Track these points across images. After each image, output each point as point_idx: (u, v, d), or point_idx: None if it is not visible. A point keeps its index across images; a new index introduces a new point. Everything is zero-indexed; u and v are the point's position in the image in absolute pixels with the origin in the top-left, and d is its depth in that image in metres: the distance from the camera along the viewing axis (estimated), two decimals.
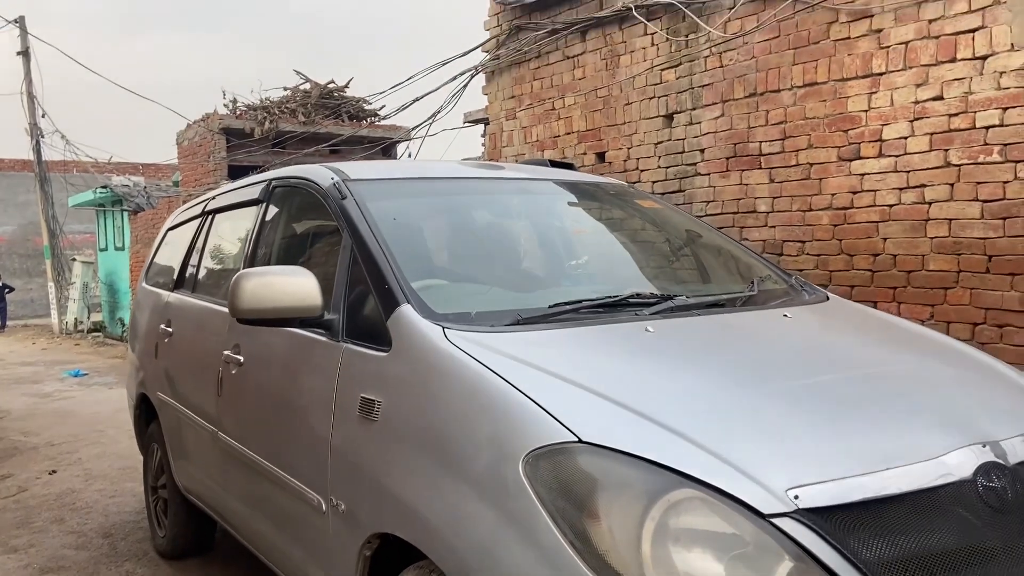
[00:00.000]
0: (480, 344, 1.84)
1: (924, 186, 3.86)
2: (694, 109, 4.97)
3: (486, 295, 2.25)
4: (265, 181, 3.05)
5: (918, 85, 3.85)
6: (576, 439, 1.53)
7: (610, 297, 2.20)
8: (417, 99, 7.99)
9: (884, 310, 4.05)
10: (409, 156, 12.67)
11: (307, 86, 13.06)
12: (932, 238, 3.84)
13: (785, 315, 2.28)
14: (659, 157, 5.24)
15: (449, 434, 1.74)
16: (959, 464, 1.59)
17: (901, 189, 3.95)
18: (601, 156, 5.68)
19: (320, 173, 2.64)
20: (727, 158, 4.80)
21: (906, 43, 3.89)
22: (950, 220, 3.77)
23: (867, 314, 2.55)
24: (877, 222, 4.06)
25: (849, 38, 4.13)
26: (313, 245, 2.67)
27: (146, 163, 22.18)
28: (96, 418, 7.29)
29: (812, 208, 4.37)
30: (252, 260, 2.87)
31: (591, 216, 2.94)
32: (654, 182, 5.28)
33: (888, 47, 3.96)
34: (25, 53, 16.70)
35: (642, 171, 5.37)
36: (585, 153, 5.78)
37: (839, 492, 1.47)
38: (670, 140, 5.15)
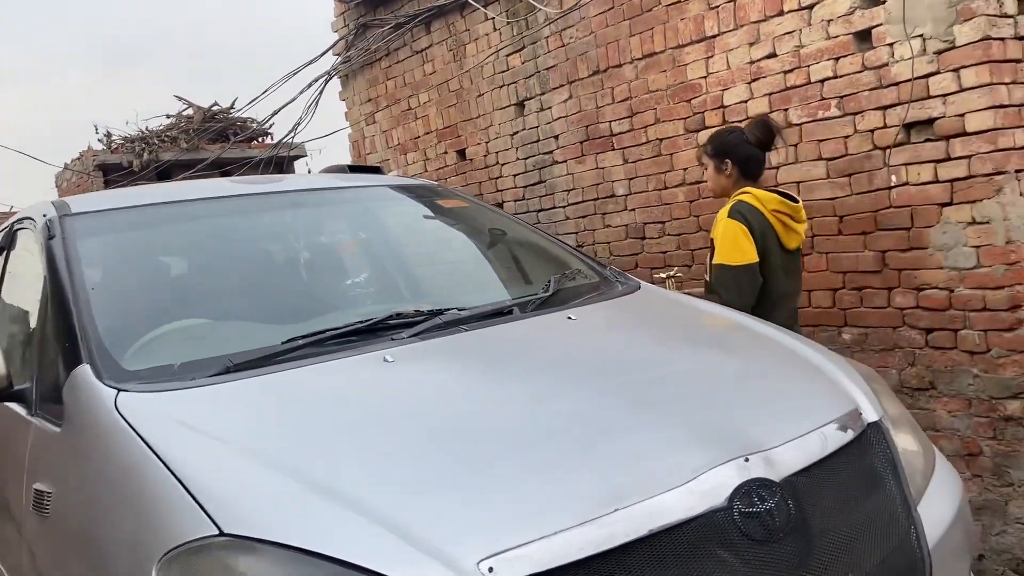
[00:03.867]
0: (155, 411, 1.49)
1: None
2: (543, 94, 4.69)
3: (216, 336, 1.90)
4: (10, 224, 2.64)
5: (751, 44, 3.63)
6: (218, 532, 1.20)
7: (362, 322, 1.87)
8: (275, 112, 7.58)
9: None
10: (309, 172, 12.21)
11: (190, 111, 12.45)
12: None
13: (569, 318, 1.99)
14: (516, 148, 4.94)
15: (100, 532, 1.39)
16: (709, 490, 1.30)
17: None
18: (462, 154, 5.36)
19: (39, 209, 2.25)
20: (581, 142, 4.53)
21: (734, 0, 3.66)
22: (798, 183, 3.55)
23: (670, 304, 2.28)
24: None
25: (680, 1, 3.89)
26: (35, 298, 2.27)
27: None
28: None
29: (667, 186, 4.12)
30: None
31: (380, 225, 2.62)
32: (515, 175, 4.99)
33: (717, 7, 3.73)
34: None
35: (502, 165, 5.07)
36: (446, 152, 5.46)
37: (546, 554, 1.17)
38: (524, 129, 4.86)
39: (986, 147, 2.93)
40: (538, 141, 4.79)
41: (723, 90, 3.78)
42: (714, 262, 2.78)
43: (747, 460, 1.35)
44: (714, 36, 3.76)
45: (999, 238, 2.95)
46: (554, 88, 4.61)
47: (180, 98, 13.04)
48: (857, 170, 3.34)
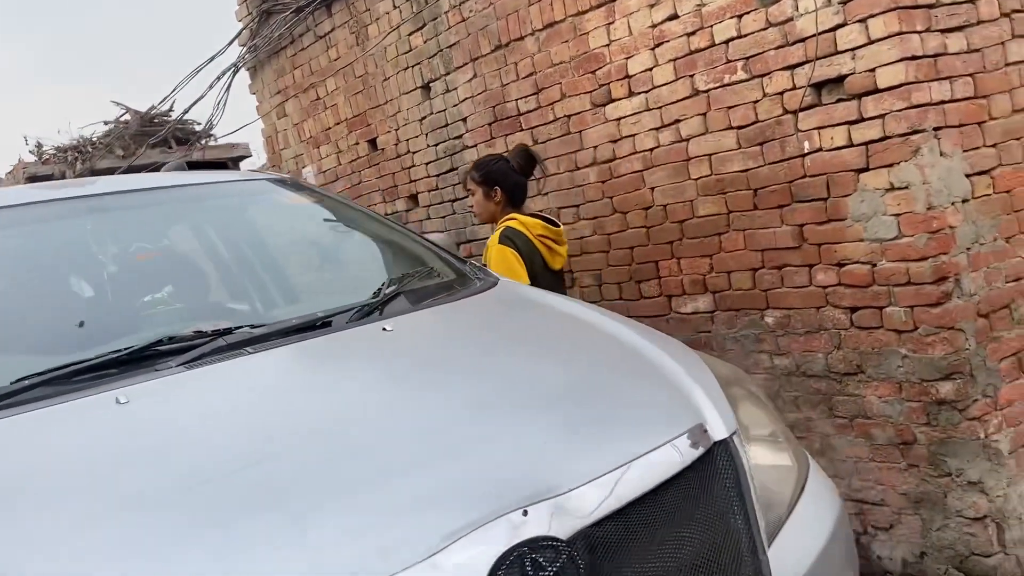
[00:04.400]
0: None
1: (678, 121, 3.32)
2: (448, 74, 4.35)
3: None
4: None
5: (651, 6, 3.30)
6: None
7: (120, 351, 1.54)
8: (185, 111, 7.21)
9: (665, 269, 3.55)
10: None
11: (128, 117, 11.97)
12: (696, 179, 3.31)
13: (385, 329, 1.67)
14: (426, 134, 4.60)
15: None
16: (461, 564, 0.99)
17: (657, 129, 3.41)
18: (374, 143, 5.01)
19: None
20: (489, 124, 4.20)
21: None
22: (709, 156, 3.24)
23: (518, 303, 1.96)
24: (641, 171, 3.52)
25: None
26: None
27: None
28: None
29: (578, 166, 3.80)
30: None
31: (201, 229, 2.27)
32: (427, 163, 4.66)
33: None
34: None
35: (414, 153, 4.73)
36: (357, 143, 5.11)
37: None
38: (432, 113, 4.52)
39: (900, 104, 2.64)
40: (447, 125, 4.45)
41: (627, 58, 3.46)
42: None
43: (525, 514, 1.04)
44: (613, 0, 3.44)
45: (919, 204, 2.66)
46: (458, 67, 4.27)
47: (117, 103, 12.53)
48: (768, 138, 3.03)
